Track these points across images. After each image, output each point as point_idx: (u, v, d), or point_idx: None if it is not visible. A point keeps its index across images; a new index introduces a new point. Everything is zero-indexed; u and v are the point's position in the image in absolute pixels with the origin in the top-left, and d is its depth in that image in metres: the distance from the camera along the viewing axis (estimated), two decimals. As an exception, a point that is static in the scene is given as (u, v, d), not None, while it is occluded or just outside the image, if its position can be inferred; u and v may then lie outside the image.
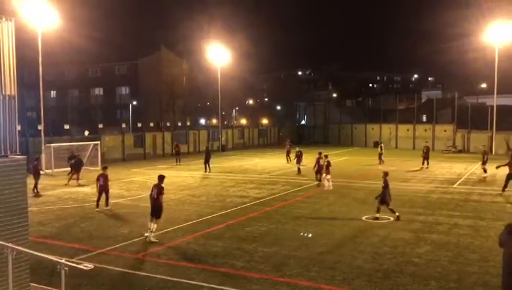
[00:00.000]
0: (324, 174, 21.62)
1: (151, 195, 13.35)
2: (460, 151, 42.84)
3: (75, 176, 24.61)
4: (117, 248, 12.24)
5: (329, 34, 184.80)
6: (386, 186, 15.01)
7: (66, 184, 24.16)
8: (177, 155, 35.17)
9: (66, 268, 6.79)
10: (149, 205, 13.32)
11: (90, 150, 32.17)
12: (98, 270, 10.18)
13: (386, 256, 11.26)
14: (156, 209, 13.06)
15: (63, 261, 6.87)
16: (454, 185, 22.81)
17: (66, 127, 47.75)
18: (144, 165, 33.92)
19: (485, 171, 25.95)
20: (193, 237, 13.26)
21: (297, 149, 29.49)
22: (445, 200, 18.86)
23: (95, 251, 11.95)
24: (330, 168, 21.53)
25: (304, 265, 10.65)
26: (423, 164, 30.05)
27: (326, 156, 22.66)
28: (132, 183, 24.54)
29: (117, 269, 10.56)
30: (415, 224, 14.52)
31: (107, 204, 17.56)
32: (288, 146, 35.97)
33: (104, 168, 18.11)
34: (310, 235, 12.93)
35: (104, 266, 10.71)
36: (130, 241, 12.84)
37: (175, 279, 9.83)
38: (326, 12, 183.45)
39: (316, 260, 10.99)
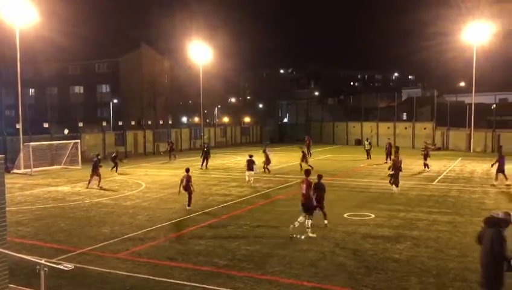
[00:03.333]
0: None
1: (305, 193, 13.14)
2: (439, 149, 43.48)
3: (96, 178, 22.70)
4: (98, 248, 12.11)
5: (311, 33, 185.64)
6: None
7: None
8: (170, 152, 35.91)
9: (46, 269, 6.70)
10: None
11: (70, 148, 31.74)
12: (78, 271, 10.06)
13: (367, 253, 11.38)
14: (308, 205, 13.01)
15: (42, 261, 6.78)
16: (434, 182, 23.15)
17: (45, 125, 46.94)
18: (126, 163, 33.60)
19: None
20: (175, 236, 13.21)
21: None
22: (425, 197, 19.14)
23: (75, 251, 11.80)
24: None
25: (286, 262, 10.70)
26: (386, 159, 30.69)
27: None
28: (113, 182, 24.29)
29: (98, 269, 10.45)
30: (395, 221, 14.71)
31: (189, 204, 16.94)
32: (308, 142, 36.44)
33: (187, 170, 17.36)
34: (303, 237, 12.78)
35: (85, 266, 10.59)
36: (111, 241, 12.71)
37: (157, 278, 9.78)
38: (309, 10, 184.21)
39: (298, 258, 11.04)
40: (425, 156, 28.06)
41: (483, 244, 7.27)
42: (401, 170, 20.91)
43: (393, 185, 20.13)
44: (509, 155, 37.37)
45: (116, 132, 43.01)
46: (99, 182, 22.50)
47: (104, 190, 21.75)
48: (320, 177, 13.94)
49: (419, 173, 26.71)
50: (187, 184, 17.08)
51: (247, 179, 23.05)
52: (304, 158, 28.08)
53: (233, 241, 12.49)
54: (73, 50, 61.29)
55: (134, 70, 65.86)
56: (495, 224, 7.15)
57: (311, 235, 12.79)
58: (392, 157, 22.40)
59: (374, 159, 33.39)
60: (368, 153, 34.52)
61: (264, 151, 28.09)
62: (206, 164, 29.95)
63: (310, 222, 12.92)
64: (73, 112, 66.72)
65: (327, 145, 50.29)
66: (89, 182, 22.49)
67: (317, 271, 10.11)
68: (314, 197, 13.16)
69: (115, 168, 27.74)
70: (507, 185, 21.53)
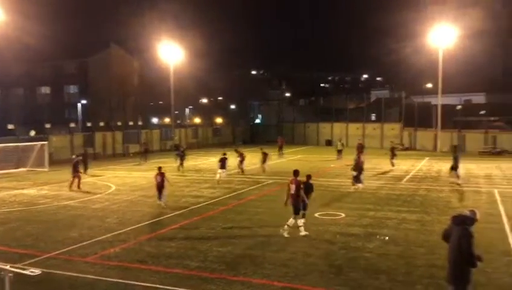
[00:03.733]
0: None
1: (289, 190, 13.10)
2: (407, 149, 44.41)
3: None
4: (66, 252, 11.83)
5: (283, 34, 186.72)
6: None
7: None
8: (145, 153, 35.64)
9: (11, 275, 6.51)
10: (98, 207, 12.97)
11: (36, 150, 30.94)
12: (45, 276, 9.81)
13: (338, 252, 11.51)
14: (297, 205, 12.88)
15: (7, 267, 6.58)
16: (402, 182, 23.62)
17: (11, 127, 45.66)
18: (94, 165, 33.00)
19: (392, 165, 28.50)
20: (146, 239, 13.03)
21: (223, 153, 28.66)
22: (394, 196, 19.50)
23: (42, 256, 11.50)
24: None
25: (258, 263, 10.71)
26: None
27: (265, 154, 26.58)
28: (82, 185, 23.76)
29: (66, 273, 10.21)
30: (365, 220, 14.92)
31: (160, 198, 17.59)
32: (281, 143, 38.16)
33: (160, 168, 17.89)
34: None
35: (52, 271, 10.33)
36: (79, 245, 12.44)
37: (127, 281, 9.63)
38: (280, 12, 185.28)
39: (270, 258, 11.07)
40: (392, 156, 29.05)
41: (450, 241, 7.46)
42: (363, 170, 21.56)
43: (358, 184, 20.68)
44: (473, 155, 38.62)
45: (85, 133, 42.21)
46: (79, 183, 22.18)
47: (73, 192, 21.29)
48: (309, 177, 13.93)
49: (387, 172, 27.24)
50: (161, 182, 17.44)
51: (217, 176, 23.25)
52: (265, 159, 28.03)
53: (205, 243, 12.42)
54: (40, 50, 59.69)
55: (103, 71, 64.68)
56: (462, 222, 7.35)
57: (303, 233, 12.86)
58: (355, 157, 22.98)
59: (344, 159, 33.75)
60: (340, 153, 34.96)
61: (237, 151, 28.14)
62: (181, 165, 29.52)
63: (301, 221, 12.98)
64: (40, 113, 65.10)
65: (298, 146, 50.65)
66: (71, 184, 22.08)
67: (289, 271, 10.16)
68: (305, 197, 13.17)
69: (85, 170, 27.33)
70: (458, 183, 21.96)
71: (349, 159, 32.87)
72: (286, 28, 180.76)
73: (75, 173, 22.12)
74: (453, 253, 7.35)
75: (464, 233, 7.22)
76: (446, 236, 7.61)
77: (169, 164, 30.47)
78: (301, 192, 13.04)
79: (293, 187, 13.07)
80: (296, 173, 13.41)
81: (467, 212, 7.54)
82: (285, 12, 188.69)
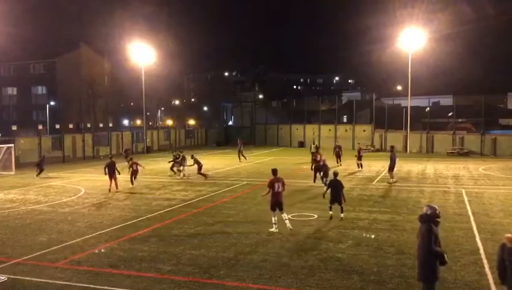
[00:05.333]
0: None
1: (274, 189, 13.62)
2: (378, 150, 45.13)
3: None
4: (34, 257, 11.52)
5: (255, 36, 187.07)
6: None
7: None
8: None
9: (-25, 282, 6.29)
10: (67, 210, 12.68)
11: (2, 153, 30.04)
12: (12, 282, 9.54)
13: (310, 253, 11.59)
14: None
15: (-29, 274, 6.36)
16: (373, 182, 23.98)
17: (-25, 129, 44.24)
18: (64, 168, 32.30)
19: (360, 166, 29.43)
20: (117, 243, 12.82)
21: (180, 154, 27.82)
22: (365, 197, 19.78)
23: (9, 262, 11.16)
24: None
25: (231, 265, 10.68)
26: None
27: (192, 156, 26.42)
28: (50, 188, 23.25)
29: (34, 279, 9.93)
30: (337, 220, 15.06)
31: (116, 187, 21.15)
32: (240, 145, 36.77)
33: (111, 157, 21.62)
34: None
35: (19, 277, 10.04)
36: (48, 250, 12.14)
37: (98, 287, 9.45)
38: (253, 14, 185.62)
39: (243, 260, 11.06)
40: (359, 157, 29.65)
41: (418, 240, 7.66)
42: (319, 169, 22.39)
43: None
44: (441, 155, 39.55)
45: (53, 136, 41.23)
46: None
47: (41, 196, 20.77)
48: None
49: (355, 173, 27.73)
50: (112, 171, 20.53)
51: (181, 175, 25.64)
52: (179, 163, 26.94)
53: (177, 246, 12.30)
54: (5, 50, 58.07)
55: (72, 72, 63.42)
56: (427, 220, 7.57)
57: (290, 227, 13.60)
58: (323, 158, 23.72)
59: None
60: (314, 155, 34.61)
61: (193, 157, 26.56)
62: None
63: (286, 215, 13.82)
64: (6, 115, 63.34)
65: (271, 147, 50.83)
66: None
67: (262, 273, 10.16)
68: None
69: (39, 173, 27.36)
70: (393, 182, 23.24)
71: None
72: (259, 30, 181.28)
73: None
74: (421, 250, 7.54)
75: (427, 230, 7.44)
76: (417, 235, 7.79)
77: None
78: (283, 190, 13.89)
79: (279, 185, 13.65)
80: (275, 171, 14.01)
81: (425, 209, 7.76)
82: (258, 15, 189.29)
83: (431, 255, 7.38)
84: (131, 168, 23.37)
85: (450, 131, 42.81)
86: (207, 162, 35.59)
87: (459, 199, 18.96)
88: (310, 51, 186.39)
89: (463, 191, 20.78)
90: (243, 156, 36.13)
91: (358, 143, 34.10)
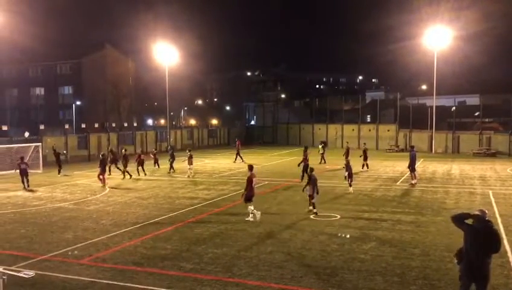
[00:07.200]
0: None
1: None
2: (402, 150, 44.54)
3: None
4: (60, 254, 11.77)
5: (278, 36, 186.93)
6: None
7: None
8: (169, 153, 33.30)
9: (5, 277, 6.45)
10: (92, 208, 12.90)
11: (30, 152, 30.76)
12: (39, 278, 9.76)
13: (333, 253, 11.51)
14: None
15: (1, 269, 6.52)
16: (397, 183, 23.68)
17: (4, 128, 45.33)
18: (89, 167, 32.87)
19: (366, 166, 29.27)
20: (141, 241, 12.98)
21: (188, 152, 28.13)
22: (389, 197, 19.54)
23: (36, 258, 11.43)
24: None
25: (253, 265, 10.69)
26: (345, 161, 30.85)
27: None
28: (76, 187, 23.71)
29: (60, 275, 10.14)
30: (360, 221, 14.93)
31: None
32: (238, 146, 36.22)
33: (53, 147, 20.98)
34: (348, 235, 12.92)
35: (46, 273, 10.27)
36: (74, 247, 12.38)
37: (122, 284, 9.58)
38: (276, 14, 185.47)
39: (265, 260, 11.06)
40: (365, 157, 29.22)
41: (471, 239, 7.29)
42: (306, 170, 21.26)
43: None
44: (467, 156, 38.79)
45: (79, 135, 42.03)
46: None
47: (67, 194, 21.20)
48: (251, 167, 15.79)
49: (358, 173, 27.33)
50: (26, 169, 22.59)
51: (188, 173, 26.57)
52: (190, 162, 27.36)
53: (200, 245, 12.39)
54: (34, 51, 59.56)
55: (97, 72, 64.51)
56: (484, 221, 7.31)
57: (251, 218, 14.92)
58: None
59: (328, 163, 33.02)
60: (322, 156, 33.77)
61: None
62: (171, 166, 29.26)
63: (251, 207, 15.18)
64: (34, 115, 64.77)
65: (293, 147, 50.68)
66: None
67: (284, 272, 10.14)
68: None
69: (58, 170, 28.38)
70: (414, 183, 22.72)
71: (332, 162, 32.92)
72: (282, 30, 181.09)
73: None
74: (483, 250, 7.23)
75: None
76: (470, 236, 7.36)
77: (161, 166, 30.41)
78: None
79: (255, 180, 15.38)
80: (251, 167, 15.58)
81: (478, 211, 7.46)
82: (280, 14, 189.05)
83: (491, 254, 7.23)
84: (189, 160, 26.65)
85: (477, 131, 41.93)
86: (228, 161, 35.78)
87: (485, 200, 18.55)
88: (333, 50, 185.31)
89: (490, 192, 20.34)
90: (240, 157, 35.28)
91: (364, 143, 32.82)
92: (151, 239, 13.11)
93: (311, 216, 15.62)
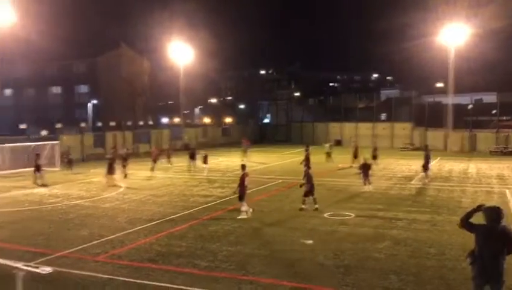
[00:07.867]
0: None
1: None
2: (417, 149, 44.12)
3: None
4: (77, 251, 11.92)
5: (291, 34, 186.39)
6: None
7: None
8: (168, 158, 33.06)
9: (23, 273, 6.58)
10: (108, 206, 13.04)
11: (47, 150, 31.19)
12: (56, 274, 9.90)
13: (347, 252, 11.47)
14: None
15: (19, 265, 6.65)
16: (412, 182, 23.48)
17: (22, 126, 46.07)
18: (105, 165, 33.13)
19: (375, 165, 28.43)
20: (156, 238, 13.09)
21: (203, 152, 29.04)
22: (404, 196, 19.39)
23: (53, 254, 11.59)
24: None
25: (267, 263, 10.71)
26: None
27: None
28: (92, 184, 23.99)
29: (77, 272, 10.28)
30: (375, 220, 14.85)
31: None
32: (245, 144, 36.39)
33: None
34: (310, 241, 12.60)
35: (63, 269, 10.41)
36: (90, 244, 12.53)
37: (138, 281, 9.68)
38: (290, 12, 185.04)
39: (278, 258, 11.07)
40: (374, 157, 28.84)
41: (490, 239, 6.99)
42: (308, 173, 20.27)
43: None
44: (484, 155, 38.27)
45: (95, 133, 42.50)
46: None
47: (83, 191, 21.46)
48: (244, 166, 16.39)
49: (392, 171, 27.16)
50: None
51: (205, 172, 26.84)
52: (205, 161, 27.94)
53: (214, 243, 12.45)
54: (50, 50, 60.27)
55: (113, 71, 65.11)
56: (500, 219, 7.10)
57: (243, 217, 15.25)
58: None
59: (343, 161, 32.74)
60: (329, 155, 33.60)
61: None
62: (193, 164, 29.28)
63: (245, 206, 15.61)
64: (51, 113, 65.65)
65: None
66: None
67: (298, 271, 10.15)
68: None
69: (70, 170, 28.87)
70: (428, 182, 22.59)
71: (341, 162, 32.56)
72: (296, 28, 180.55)
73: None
74: (499, 250, 6.90)
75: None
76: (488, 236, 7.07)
77: (175, 164, 30.58)
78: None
79: (248, 179, 15.87)
80: (243, 167, 16.27)
81: (488, 208, 7.28)
82: (294, 12, 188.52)
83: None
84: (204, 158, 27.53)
85: (494, 129, 41.36)
86: (241, 159, 35.79)
87: (503, 199, 18.29)
88: (347, 48, 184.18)
89: (507, 191, 20.06)
90: (244, 154, 35.08)
91: (354, 141, 32.83)
92: (166, 237, 13.22)
93: (303, 207, 16.27)
